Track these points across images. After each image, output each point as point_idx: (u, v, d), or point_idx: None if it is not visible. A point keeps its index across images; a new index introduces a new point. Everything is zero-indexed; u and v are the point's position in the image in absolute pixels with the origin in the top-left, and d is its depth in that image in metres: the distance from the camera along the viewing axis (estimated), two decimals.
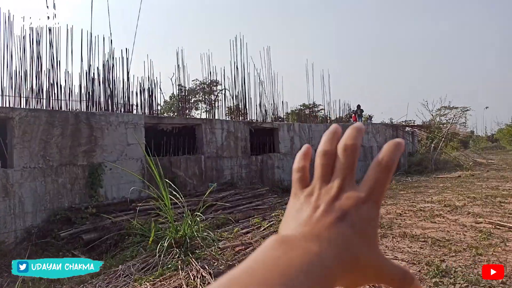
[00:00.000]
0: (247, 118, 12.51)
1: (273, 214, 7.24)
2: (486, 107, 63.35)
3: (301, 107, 35.14)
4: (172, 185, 5.94)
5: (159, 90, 20.29)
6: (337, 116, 19.49)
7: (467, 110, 45.01)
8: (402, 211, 7.41)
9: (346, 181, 0.40)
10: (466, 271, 4.20)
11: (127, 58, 9.29)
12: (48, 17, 8.93)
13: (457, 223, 6.37)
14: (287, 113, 19.72)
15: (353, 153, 0.42)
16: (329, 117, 19.80)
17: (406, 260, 4.64)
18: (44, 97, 7.71)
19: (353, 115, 19.21)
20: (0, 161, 6.44)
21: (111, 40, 13.23)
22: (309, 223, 0.37)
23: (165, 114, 18.71)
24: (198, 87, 34.80)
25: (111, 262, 5.06)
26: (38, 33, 7.79)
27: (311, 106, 33.48)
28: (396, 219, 6.85)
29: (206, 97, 33.10)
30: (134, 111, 9.02)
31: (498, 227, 5.92)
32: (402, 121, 24.61)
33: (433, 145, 22.22)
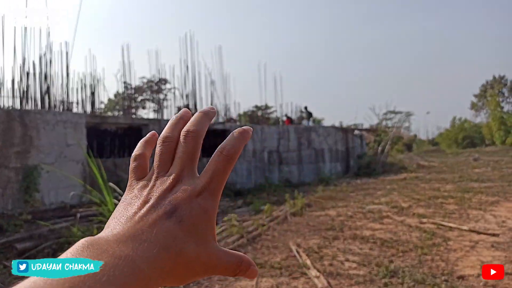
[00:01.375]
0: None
1: (225, 218, 7.05)
2: (428, 112, 67.87)
3: (254, 109, 35.30)
4: (117, 189, 5.56)
5: (102, 87, 19.27)
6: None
7: (411, 115, 47.99)
8: (352, 213, 7.57)
9: (185, 171, 0.37)
10: (413, 271, 4.32)
11: (66, 52, 8.63)
12: None
13: (403, 224, 6.60)
14: (239, 114, 19.63)
15: (194, 140, 0.39)
16: (281, 119, 20.01)
17: (357, 262, 4.69)
18: None
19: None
20: None
21: (49, 32, 12.36)
22: (132, 220, 0.33)
23: (109, 113, 17.81)
24: (145, 85, 33.60)
25: None
26: None
27: (263, 108, 33.74)
28: (347, 221, 6.96)
29: (154, 96, 32.13)
30: (75, 109, 8.39)
31: (440, 227, 6.21)
32: (351, 125, 25.56)
33: (380, 148, 23.33)
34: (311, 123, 19.57)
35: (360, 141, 19.92)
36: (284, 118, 19.12)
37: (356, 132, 20.37)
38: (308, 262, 4.71)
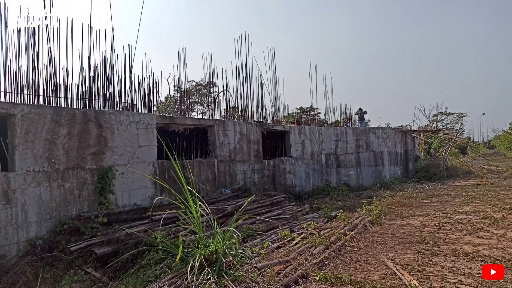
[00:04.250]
0: (251, 119, 11.85)
1: (303, 225, 6.61)
2: (483, 114, 63.60)
3: (298, 111, 34.59)
4: (184, 192, 5.26)
5: (155, 90, 19.46)
6: (336, 120, 18.90)
7: (464, 116, 45.08)
8: (438, 224, 6.86)
9: None
10: None
11: (129, 55, 8.58)
12: (46, 13, 8.16)
13: (507, 238, 5.83)
14: (284, 116, 19.16)
15: None
16: (326, 121, 19.27)
17: (474, 286, 4.06)
18: (50, 94, 6.98)
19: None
20: (0, 163, 5.70)
21: (113, 35, 12.58)
22: None
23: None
24: (194, 89, 34.11)
25: (133, 283, 4.37)
26: (35, 27, 7.06)
27: (308, 109, 32.98)
28: (437, 233, 6.28)
29: (201, 98, 32.37)
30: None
31: None
32: (399, 126, 24.27)
33: (432, 150, 21.88)
34: (364, 124, 18.69)
35: (412, 144, 18.74)
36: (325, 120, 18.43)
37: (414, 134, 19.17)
38: (415, 283, 4.16)
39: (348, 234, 6.22)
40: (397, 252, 5.40)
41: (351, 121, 19.59)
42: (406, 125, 27.93)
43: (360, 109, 18.72)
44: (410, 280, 4.25)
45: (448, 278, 4.31)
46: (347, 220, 7.00)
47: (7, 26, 6.99)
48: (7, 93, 6.70)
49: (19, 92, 6.84)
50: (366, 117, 19.31)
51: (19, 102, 6.67)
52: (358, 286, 4.17)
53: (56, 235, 5.74)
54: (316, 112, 30.68)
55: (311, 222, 6.83)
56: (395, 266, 4.76)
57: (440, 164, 17.27)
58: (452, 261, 4.91)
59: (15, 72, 6.87)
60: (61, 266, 5.18)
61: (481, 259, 4.93)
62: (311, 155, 13.26)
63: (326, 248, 5.49)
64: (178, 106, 23.11)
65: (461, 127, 30.76)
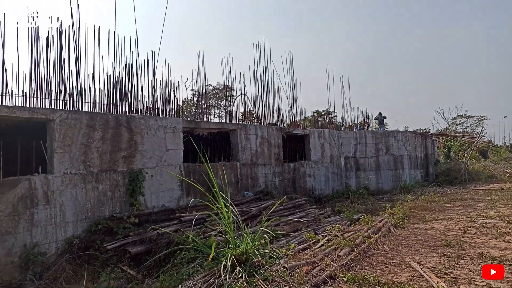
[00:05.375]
0: (267, 123, 12.01)
1: (327, 228, 6.73)
2: (505, 117, 61.96)
3: (314, 114, 34.52)
4: (207, 194, 5.44)
5: (176, 94, 19.81)
6: (357, 122, 18.85)
7: (484, 119, 44.15)
8: (463, 228, 6.87)
9: None
10: None
11: (152, 61, 8.88)
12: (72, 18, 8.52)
13: None
14: (300, 119, 19.21)
15: None
16: (343, 124, 19.24)
17: None
18: (84, 99, 7.31)
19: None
20: (40, 166, 6.03)
21: (137, 42, 12.94)
22: None
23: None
24: (210, 93, 34.48)
25: (168, 281, 4.58)
26: (62, 34, 7.39)
27: (324, 112, 32.90)
28: (462, 236, 6.31)
29: (218, 102, 32.74)
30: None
31: None
32: (418, 129, 24.01)
33: (452, 154, 21.57)
34: (383, 129, 18.62)
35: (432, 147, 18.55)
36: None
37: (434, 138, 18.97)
38: (443, 285, 4.23)
39: (372, 237, 6.30)
40: (422, 255, 5.47)
41: (369, 124, 19.53)
42: (425, 129, 27.62)
43: (380, 113, 18.72)
44: (437, 282, 4.33)
45: (476, 281, 4.37)
46: (370, 223, 7.08)
47: (38, 35, 7.35)
48: (39, 99, 7.04)
49: (54, 97, 7.18)
50: (384, 121, 19.25)
51: (44, 107, 6.99)
52: (386, 287, 4.28)
53: (92, 235, 6.03)
54: (332, 116, 30.65)
55: (335, 225, 6.95)
56: (421, 269, 4.84)
57: (461, 168, 17.06)
58: (479, 264, 4.95)
59: (45, 78, 7.20)
60: (98, 264, 5.44)
61: (509, 263, 4.96)
62: (331, 159, 13.33)
63: (351, 250, 5.60)
64: (195, 110, 23.48)
65: (482, 130, 30.12)
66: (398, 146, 15.16)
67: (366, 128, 18.59)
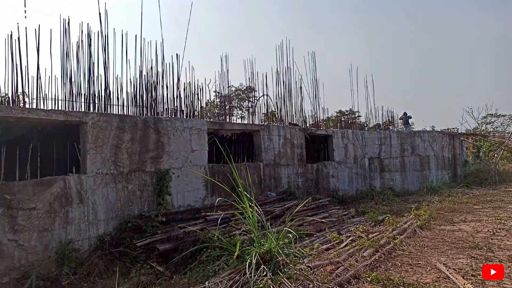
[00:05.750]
0: (288, 122, 12.04)
1: (351, 228, 6.73)
2: None
3: (337, 114, 34.16)
4: (232, 194, 5.55)
5: (200, 96, 20.14)
6: (377, 123, 18.54)
7: None
8: (492, 230, 6.71)
9: None
10: None
11: (177, 64, 9.13)
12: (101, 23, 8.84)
13: None
14: (323, 119, 19.11)
15: None
16: (367, 124, 18.96)
17: None
18: (112, 102, 7.62)
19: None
20: (74, 167, 6.34)
21: (163, 46, 13.26)
22: None
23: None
24: (233, 94, 34.82)
25: (195, 277, 4.74)
26: (92, 38, 7.71)
27: (348, 112, 32.52)
28: (491, 238, 6.17)
29: (240, 103, 32.98)
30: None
31: None
32: (445, 129, 23.38)
33: (481, 154, 20.86)
34: (408, 129, 18.28)
35: (460, 147, 18.04)
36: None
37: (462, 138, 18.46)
38: (470, 287, 4.19)
39: (397, 238, 6.26)
40: (449, 257, 5.40)
41: (393, 124, 19.19)
42: (453, 128, 26.88)
43: (405, 113, 18.37)
44: (464, 284, 4.29)
45: (504, 284, 4.29)
46: (395, 224, 7.03)
47: (70, 40, 7.70)
48: (70, 102, 7.38)
49: (89, 100, 7.52)
50: (410, 121, 18.87)
51: (75, 110, 7.32)
52: (411, 287, 4.27)
53: (122, 232, 6.28)
54: (356, 115, 30.26)
55: (359, 225, 6.93)
56: (447, 270, 4.79)
57: (491, 169, 16.53)
58: (508, 267, 4.85)
59: (76, 81, 7.53)
60: (128, 260, 5.68)
61: None
62: (354, 159, 13.24)
63: (376, 251, 5.59)
64: (218, 111, 23.75)
65: (505, 129, 29.00)
66: (424, 146, 14.86)
67: (391, 128, 18.29)
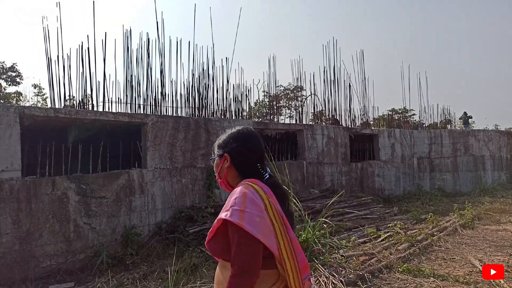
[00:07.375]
0: (339, 123, 12.25)
1: (389, 225, 6.94)
2: None
3: (390, 112, 33.20)
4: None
5: (248, 97, 20.88)
6: (432, 122, 17.88)
7: None
8: None
9: None
10: None
11: (226, 67, 9.81)
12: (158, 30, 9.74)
13: None
14: (374, 118, 18.89)
15: None
16: (422, 123, 18.37)
17: None
18: (168, 104, 8.48)
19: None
20: (136, 162, 7.24)
21: (213, 50, 14.09)
22: None
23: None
24: (281, 93, 35.21)
25: None
26: (150, 45, 8.59)
27: (401, 111, 31.50)
28: None
29: (289, 102, 33.32)
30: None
31: None
32: (509, 128, 21.85)
33: None
34: (468, 129, 17.51)
35: None
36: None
37: None
38: (501, 281, 4.32)
39: (435, 235, 6.38)
40: (486, 254, 5.47)
41: (451, 124, 18.45)
42: None
43: (465, 113, 17.58)
44: None
45: None
46: (436, 222, 7.10)
47: (131, 47, 8.65)
48: (131, 105, 8.33)
49: (143, 103, 8.46)
50: (470, 120, 18.04)
51: (137, 111, 8.24)
52: (441, 279, 4.49)
53: (176, 221, 7.06)
54: (410, 114, 29.25)
55: (398, 222, 7.11)
56: (481, 265, 4.91)
57: None
58: None
59: (136, 85, 8.46)
60: (181, 245, 6.42)
61: None
62: (402, 159, 13.13)
63: (411, 246, 5.80)
64: (267, 111, 24.33)
65: None
66: (479, 146, 14.27)
67: (449, 128, 17.59)
